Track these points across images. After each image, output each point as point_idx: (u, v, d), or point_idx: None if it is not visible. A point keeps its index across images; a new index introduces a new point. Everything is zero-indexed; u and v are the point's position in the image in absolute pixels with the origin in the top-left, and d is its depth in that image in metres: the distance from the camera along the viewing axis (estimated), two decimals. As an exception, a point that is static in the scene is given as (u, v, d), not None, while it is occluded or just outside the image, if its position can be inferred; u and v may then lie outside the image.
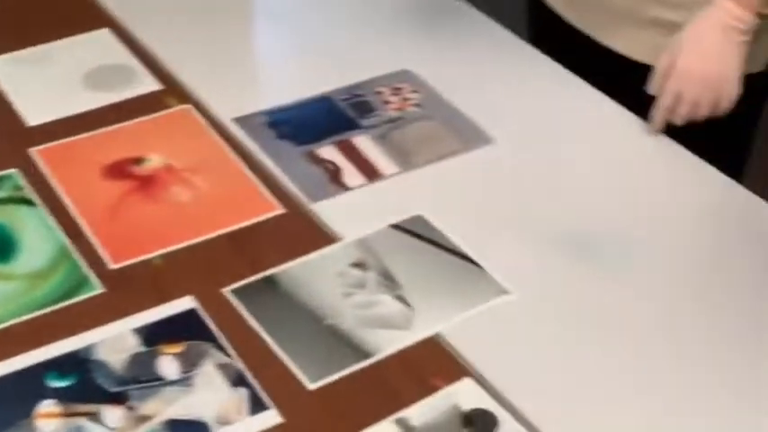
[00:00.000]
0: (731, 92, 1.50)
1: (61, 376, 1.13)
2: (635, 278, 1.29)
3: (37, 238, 1.29)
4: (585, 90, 1.59)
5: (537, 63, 1.65)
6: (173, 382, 1.13)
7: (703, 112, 1.50)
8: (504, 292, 1.25)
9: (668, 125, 1.52)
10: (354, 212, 1.36)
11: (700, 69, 1.49)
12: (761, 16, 1.50)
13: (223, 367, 1.14)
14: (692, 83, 1.49)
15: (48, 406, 1.10)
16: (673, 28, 1.53)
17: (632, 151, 1.49)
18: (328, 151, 1.45)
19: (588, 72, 1.67)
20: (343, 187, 1.40)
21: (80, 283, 1.24)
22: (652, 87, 1.52)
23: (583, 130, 1.52)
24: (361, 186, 1.40)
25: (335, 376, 1.14)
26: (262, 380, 1.13)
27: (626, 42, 1.62)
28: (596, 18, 1.65)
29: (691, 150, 1.49)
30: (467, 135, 1.48)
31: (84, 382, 1.12)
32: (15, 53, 1.60)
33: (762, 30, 1.54)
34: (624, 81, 1.63)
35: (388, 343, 1.18)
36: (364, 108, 1.52)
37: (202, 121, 1.49)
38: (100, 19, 1.68)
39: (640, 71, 1.56)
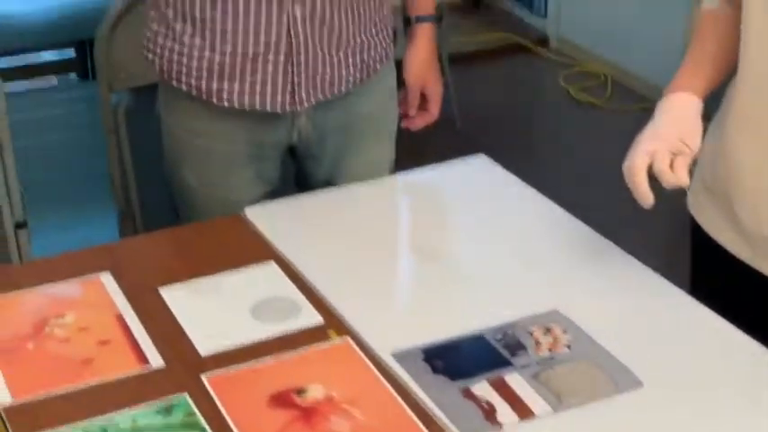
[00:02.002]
0: None
1: None
2: None
3: (206, 463, 1.36)
4: (738, 337, 1.61)
5: (689, 310, 1.68)
6: None
7: None
8: None
9: None
10: (508, 451, 1.40)
11: None
12: None
13: None
14: None
15: None
16: None
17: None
18: (482, 388, 1.50)
19: (751, 308, 1.71)
20: (498, 425, 1.44)
21: None
22: None
23: (733, 378, 1.54)
24: (514, 425, 1.44)
25: None
26: None
27: None
28: None
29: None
30: (617, 378, 1.52)
31: None
32: (189, 282, 1.71)
33: None
34: None
35: None
36: (516, 347, 1.58)
37: (360, 353, 1.56)
38: (266, 252, 1.79)
39: None
